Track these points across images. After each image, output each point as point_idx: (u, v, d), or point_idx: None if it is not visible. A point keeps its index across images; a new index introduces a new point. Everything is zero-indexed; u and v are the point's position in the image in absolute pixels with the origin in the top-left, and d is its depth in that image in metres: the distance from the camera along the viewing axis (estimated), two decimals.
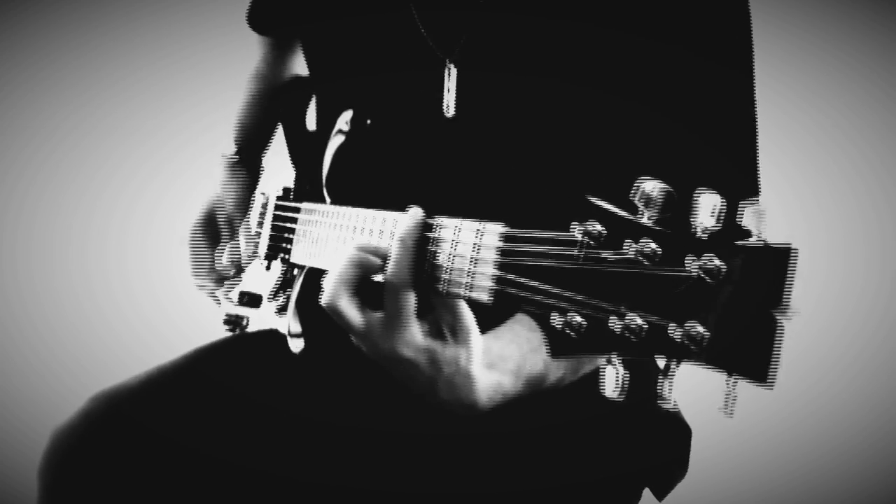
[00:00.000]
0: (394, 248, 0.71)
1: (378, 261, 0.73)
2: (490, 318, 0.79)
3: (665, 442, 1.03)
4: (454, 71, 0.96)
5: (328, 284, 0.73)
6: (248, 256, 1.22)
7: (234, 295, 1.24)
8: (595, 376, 0.94)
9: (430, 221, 0.72)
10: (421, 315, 0.73)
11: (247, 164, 1.28)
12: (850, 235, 1.92)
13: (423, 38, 0.98)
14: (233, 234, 1.25)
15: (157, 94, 2.32)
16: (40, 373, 2.21)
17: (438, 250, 0.70)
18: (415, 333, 0.72)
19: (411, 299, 0.71)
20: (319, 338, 1.05)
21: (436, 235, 0.71)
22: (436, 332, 0.73)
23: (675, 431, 1.04)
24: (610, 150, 0.89)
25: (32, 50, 2.32)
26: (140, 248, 2.31)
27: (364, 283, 0.74)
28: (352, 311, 0.73)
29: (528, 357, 0.81)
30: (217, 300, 1.25)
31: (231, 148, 1.28)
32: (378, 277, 0.74)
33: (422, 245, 0.71)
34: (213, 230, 1.26)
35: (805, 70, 2.04)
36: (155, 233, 2.28)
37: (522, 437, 0.94)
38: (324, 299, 0.73)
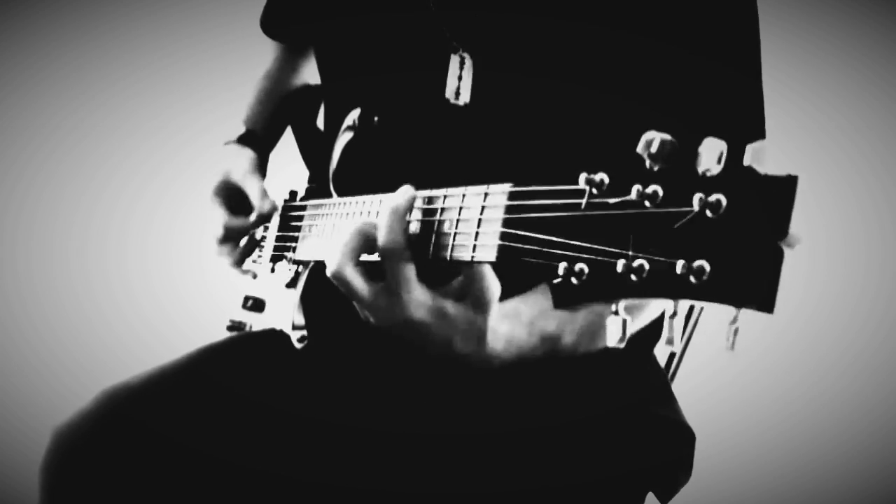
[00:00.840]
0: (384, 217, 0.73)
1: (375, 234, 0.75)
2: (508, 288, 0.79)
3: (668, 445, 1.03)
4: (469, 61, 0.97)
5: (333, 255, 0.76)
6: (254, 261, 1.22)
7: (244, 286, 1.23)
8: (595, 377, 0.95)
9: (435, 193, 0.74)
10: (432, 281, 0.75)
11: (253, 145, 1.26)
12: (850, 235, 1.92)
13: (437, 29, 0.98)
14: (245, 207, 1.22)
15: (157, 94, 2.32)
16: (41, 372, 2.21)
17: (444, 219, 0.72)
18: (420, 295, 0.74)
19: (408, 265, 0.73)
20: (322, 336, 1.05)
21: (442, 206, 0.72)
22: (454, 293, 0.75)
23: (679, 435, 1.04)
24: (616, 101, 0.90)
25: (32, 50, 2.32)
26: (141, 247, 2.31)
27: (367, 252, 0.76)
28: (357, 280, 0.75)
29: (541, 314, 0.84)
30: (246, 272, 1.24)
31: (239, 131, 1.27)
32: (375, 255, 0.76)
33: (422, 216, 0.74)
34: (229, 197, 1.22)
35: (805, 70, 2.04)
36: (156, 231, 2.28)
37: (524, 437, 0.94)
38: (330, 269, 0.76)
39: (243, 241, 1.20)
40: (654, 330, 0.99)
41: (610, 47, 0.91)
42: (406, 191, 0.75)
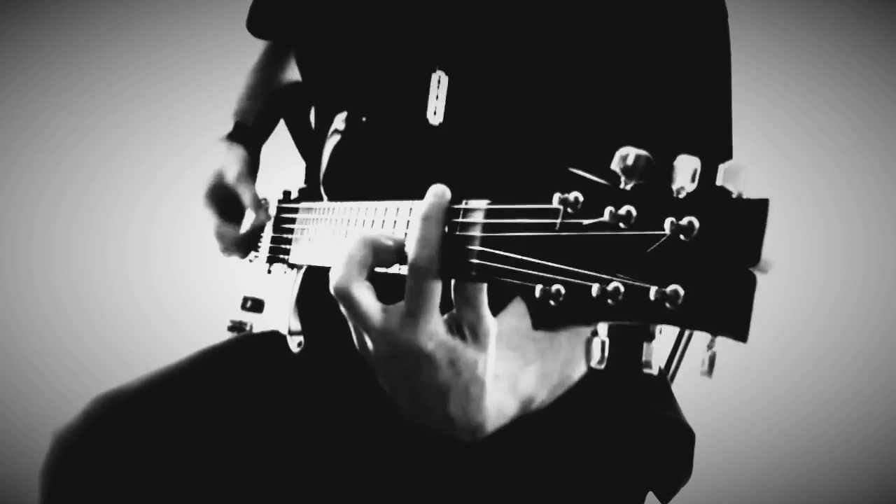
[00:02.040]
0: (417, 228, 0.63)
1: (392, 244, 0.66)
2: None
3: (668, 445, 1.03)
4: (445, 79, 0.97)
5: (336, 268, 0.65)
6: (251, 261, 1.22)
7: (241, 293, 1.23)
8: (594, 376, 0.95)
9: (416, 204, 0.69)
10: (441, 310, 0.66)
11: (244, 141, 1.25)
12: (850, 235, 1.92)
13: (411, 41, 0.99)
14: (238, 211, 1.21)
15: (157, 94, 2.32)
16: (42, 374, 2.21)
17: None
18: (438, 325, 0.64)
19: (438, 286, 0.63)
20: (320, 337, 1.05)
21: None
22: (456, 329, 0.66)
23: (678, 434, 1.04)
24: (591, 119, 0.89)
25: (32, 50, 2.32)
26: (141, 249, 2.31)
27: (381, 266, 0.67)
28: (366, 297, 0.64)
29: (518, 376, 0.77)
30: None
31: (229, 129, 1.26)
32: (394, 269, 0.68)
33: (450, 224, 0.64)
34: (221, 200, 1.22)
35: (806, 70, 2.04)
36: (156, 233, 2.28)
37: (523, 437, 0.93)
38: (333, 283, 0.65)
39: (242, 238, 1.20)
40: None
41: (585, 59, 0.92)
42: (443, 194, 0.64)
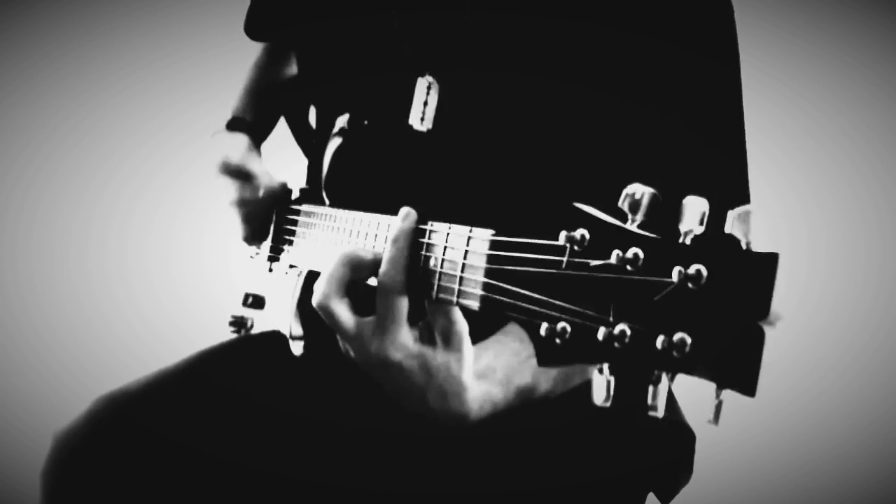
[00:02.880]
0: (387, 249, 0.71)
1: (369, 261, 0.73)
2: (480, 328, 0.79)
3: (668, 445, 1.03)
4: (436, 86, 0.96)
5: (319, 285, 0.73)
6: (252, 257, 1.21)
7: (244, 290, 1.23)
8: (590, 382, 0.95)
9: (423, 227, 0.72)
10: (413, 321, 0.73)
11: (245, 130, 1.22)
12: (850, 235, 1.92)
13: (410, 41, 0.98)
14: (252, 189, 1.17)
15: (157, 94, 2.32)
16: (43, 375, 2.20)
17: (430, 255, 0.70)
18: (405, 337, 0.72)
19: (404, 302, 0.71)
20: (321, 339, 1.05)
21: (427, 240, 0.71)
22: (428, 337, 0.73)
23: (679, 435, 1.04)
24: (599, 155, 0.88)
25: (32, 50, 2.32)
26: (142, 249, 2.31)
27: (355, 286, 0.74)
28: (343, 312, 0.73)
29: (516, 368, 0.81)
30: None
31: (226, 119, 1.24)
32: (371, 281, 0.74)
33: (415, 247, 0.71)
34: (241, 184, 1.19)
35: (806, 70, 2.04)
36: (156, 233, 2.28)
37: (523, 438, 0.94)
38: (315, 299, 0.74)
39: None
40: None
41: (587, 54, 0.91)
42: (408, 216, 0.71)
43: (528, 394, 0.83)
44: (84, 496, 0.98)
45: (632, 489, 1.01)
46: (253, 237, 1.16)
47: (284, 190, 1.13)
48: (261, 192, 1.12)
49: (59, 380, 2.15)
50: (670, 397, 1.10)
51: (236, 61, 1.37)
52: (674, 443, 1.04)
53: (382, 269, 0.70)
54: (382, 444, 0.96)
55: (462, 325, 0.72)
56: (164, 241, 2.27)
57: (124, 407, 1.02)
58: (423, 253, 0.71)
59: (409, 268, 0.71)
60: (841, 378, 2.00)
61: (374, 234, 0.82)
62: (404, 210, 0.72)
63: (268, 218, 1.15)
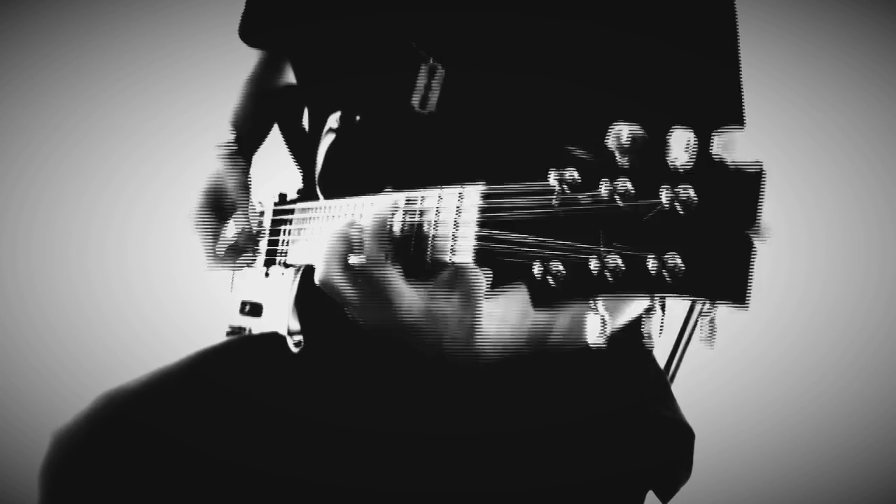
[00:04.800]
0: (367, 225, 0.73)
1: (361, 234, 0.75)
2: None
3: (668, 444, 1.03)
4: (440, 70, 0.97)
5: (319, 262, 0.75)
6: (248, 265, 1.22)
7: (238, 299, 1.23)
8: (594, 376, 0.95)
9: (413, 194, 0.73)
10: (424, 278, 0.75)
11: (243, 153, 1.26)
12: (850, 235, 1.92)
13: (405, 37, 0.99)
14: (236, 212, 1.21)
15: (157, 94, 2.32)
16: (42, 374, 2.20)
17: (423, 220, 0.72)
18: (408, 299, 0.74)
19: (393, 270, 0.73)
20: (319, 337, 1.05)
21: (420, 206, 0.72)
22: (448, 294, 0.74)
23: (678, 434, 1.04)
24: (586, 100, 0.89)
25: (32, 50, 2.32)
26: (141, 249, 2.31)
27: (354, 254, 0.76)
28: (345, 285, 0.75)
29: (523, 316, 0.83)
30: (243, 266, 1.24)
31: (228, 137, 1.27)
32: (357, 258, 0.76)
33: (403, 216, 0.73)
34: (219, 210, 1.22)
35: (806, 70, 2.04)
36: (156, 233, 2.28)
37: (523, 437, 0.94)
38: (317, 276, 0.76)
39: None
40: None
41: (579, 38, 0.92)
42: (387, 196, 0.74)
43: (539, 341, 0.86)
44: (82, 495, 0.98)
45: (631, 488, 1.01)
46: (224, 258, 1.19)
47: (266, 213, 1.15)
48: (238, 226, 1.16)
49: (58, 379, 2.15)
50: (670, 397, 1.10)
51: (237, 61, 1.37)
52: (673, 442, 1.04)
53: (366, 245, 0.73)
54: (382, 444, 0.96)
55: (480, 283, 0.73)
56: (164, 240, 2.27)
57: (123, 406, 1.02)
58: (417, 220, 0.72)
59: (399, 237, 0.73)
60: (841, 378, 2.00)
61: (361, 213, 0.83)
62: (384, 192, 0.76)
63: (238, 250, 1.19)
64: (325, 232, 0.79)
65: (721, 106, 0.93)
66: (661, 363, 1.25)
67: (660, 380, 1.16)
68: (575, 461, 0.95)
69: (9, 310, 2.29)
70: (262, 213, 1.17)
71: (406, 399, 0.99)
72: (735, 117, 0.94)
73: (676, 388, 1.17)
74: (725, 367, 1.86)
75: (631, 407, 1.01)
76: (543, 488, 0.93)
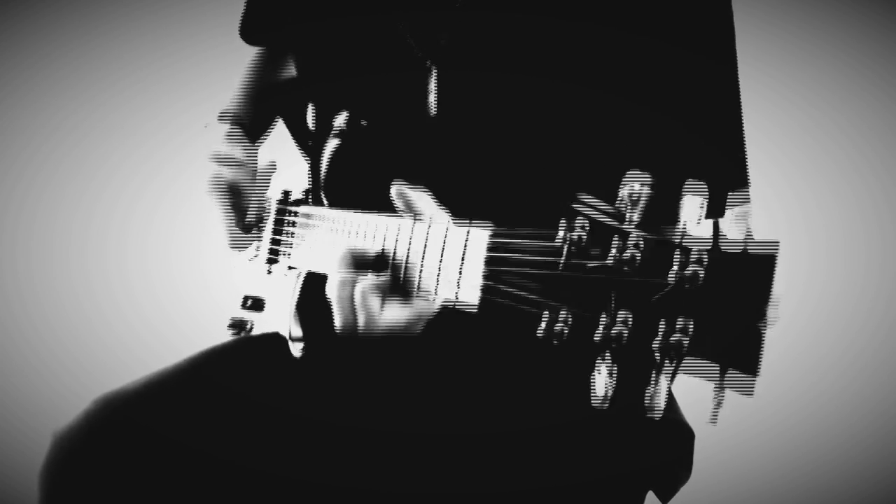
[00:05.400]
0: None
1: (368, 259, 0.79)
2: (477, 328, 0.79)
3: (667, 444, 1.03)
4: (435, 72, 0.97)
5: (334, 275, 0.78)
6: (250, 260, 1.21)
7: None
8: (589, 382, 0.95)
9: (418, 228, 0.73)
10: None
11: (238, 122, 1.24)
12: (850, 235, 1.92)
13: (406, 40, 0.98)
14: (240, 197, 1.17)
15: (157, 94, 2.32)
16: (42, 375, 2.20)
17: (423, 261, 0.72)
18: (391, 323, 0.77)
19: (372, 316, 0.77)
20: (321, 340, 1.05)
21: (425, 239, 0.72)
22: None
23: (678, 434, 1.04)
24: (597, 144, 0.89)
25: (32, 50, 2.32)
26: (142, 250, 2.31)
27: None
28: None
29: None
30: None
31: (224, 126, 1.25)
32: (372, 277, 0.77)
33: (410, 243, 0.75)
34: (234, 192, 1.19)
35: (806, 70, 2.04)
36: (156, 234, 2.28)
37: (523, 437, 0.94)
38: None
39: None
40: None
41: (586, 40, 0.91)
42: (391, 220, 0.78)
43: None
44: (82, 496, 0.98)
45: (631, 488, 1.01)
46: (238, 227, 1.14)
47: (274, 171, 1.13)
48: (252, 178, 1.12)
49: (58, 380, 2.15)
50: (670, 396, 1.10)
51: (237, 61, 1.37)
52: (673, 442, 1.04)
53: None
54: (382, 444, 0.96)
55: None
56: (164, 241, 2.27)
57: (123, 407, 1.02)
58: (418, 261, 0.73)
59: (404, 266, 0.76)
60: (841, 378, 2.00)
61: (373, 234, 0.83)
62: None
63: (254, 208, 1.15)
64: (336, 249, 0.82)
65: (728, 168, 0.93)
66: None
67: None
68: (575, 461, 0.95)
69: (9, 310, 2.29)
70: (265, 209, 1.16)
71: (406, 399, 0.99)
72: (740, 180, 0.93)
73: (676, 389, 1.16)
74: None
75: (631, 408, 1.01)
76: (543, 488, 0.93)
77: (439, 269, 0.69)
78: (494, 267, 0.61)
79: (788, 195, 1.87)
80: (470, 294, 0.65)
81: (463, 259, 0.66)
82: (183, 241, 2.20)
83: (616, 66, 0.90)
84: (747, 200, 0.49)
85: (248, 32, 1.31)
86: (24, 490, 1.01)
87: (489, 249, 0.62)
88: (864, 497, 1.97)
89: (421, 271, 0.71)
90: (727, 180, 0.88)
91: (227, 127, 1.20)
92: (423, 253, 0.72)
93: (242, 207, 1.14)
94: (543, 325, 0.55)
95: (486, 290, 0.62)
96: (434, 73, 0.97)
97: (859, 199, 1.95)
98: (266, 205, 1.16)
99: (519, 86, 0.94)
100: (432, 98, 0.97)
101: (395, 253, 0.77)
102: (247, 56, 1.36)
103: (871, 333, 1.96)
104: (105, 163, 2.34)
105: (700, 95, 0.91)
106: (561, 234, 0.54)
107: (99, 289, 2.32)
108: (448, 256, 0.68)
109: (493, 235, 0.63)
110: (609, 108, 0.89)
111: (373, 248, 0.80)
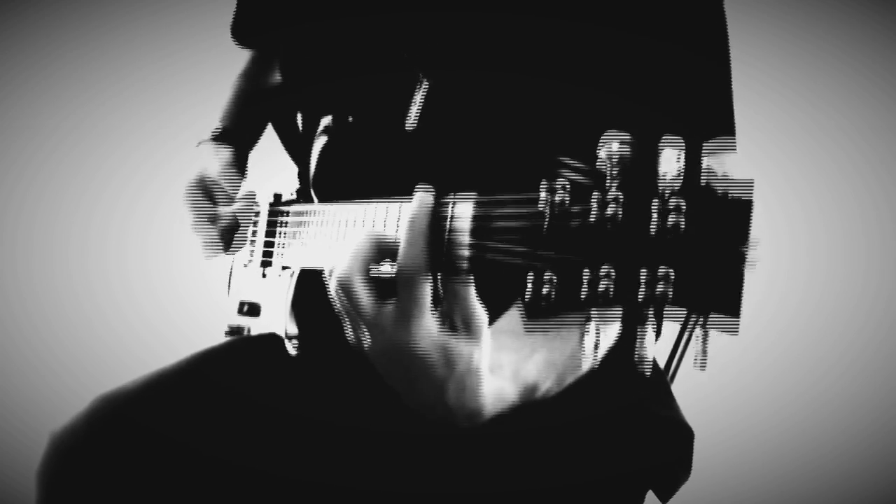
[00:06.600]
0: (405, 232, 0.65)
1: (391, 243, 0.68)
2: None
3: (666, 444, 1.03)
4: (425, 83, 0.96)
5: (343, 261, 0.68)
6: (245, 265, 1.22)
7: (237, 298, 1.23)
8: (594, 376, 0.95)
9: (443, 201, 0.67)
10: (433, 306, 0.67)
11: (231, 142, 1.25)
12: (850, 235, 1.92)
13: (393, 42, 0.99)
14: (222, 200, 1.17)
15: (157, 94, 2.32)
16: (41, 374, 2.21)
17: (447, 229, 0.69)
18: (430, 325, 0.66)
19: (427, 287, 0.65)
20: (317, 338, 1.05)
21: (451, 213, 0.67)
22: (449, 324, 0.68)
23: (677, 433, 1.04)
24: (579, 125, 0.88)
25: (33, 50, 2.32)
26: (141, 249, 2.31)
27: (376, 264, 0.70)
28: (364, 294, 0.67)
29: (521, 364, 0.78)
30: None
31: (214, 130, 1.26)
32: (385, 267, 0.70)
33: (435, 227, 0.65)
34: (210, 197, 1.18)
35: (806, 70, 2.04)
36: (155, 233, 2.28)
37: (523, 437, 0.94)
38: (338, 274, 0.68)
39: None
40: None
41: (571, 37, 0.91)
42: (426, 195, 0.66)
43: (531, 393, 0.82)
44: (80, 496, 0.98)
45: (631, 487, 1.01)
46: (213, 233, 1.13)
47: (254, 202, 1.13)
48: (233, 206, 1.12)
49: (57, 379, 2.15)
50: (670, 396, 1.10)
51: (237, 61, 1.37)
52: (673, 442, 1.04)
53: (403, 251, 0.64)
54: (382, 444, 0.96)
55: (482, 313, 0.67)
56: (164, 240, 2.27)
57: (122, 407, 1.02)
58: (444, 230, 0.66)
59: (431, 249, 0.65)
60: (841, 378, 2.00)
61: (384, 220, 0.78)
62: (422, 188, 0.67)
63: (232, 232, 1.14)
64: (355, 232, 0.74)
65: (711, 108, 0.92)
66: (661, 363, 1.25)
67: (660, 379, 1.16)
68: (575, 461, 0.95)
69: (9, 310, 2.29)
70: (257, 214, 1.16)
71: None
72: (725, 120, 0.93)
73: (676, 388, 1.17)
74: (725, 367, 1.86)
75: (631, 407, 1.01)
76: (544, 488, 0.93)
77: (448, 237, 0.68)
78: (481, 224, 0.61)
79: (788, 195, 1.87)
80: (461, 257, 0.63)
81: (451, 223, 0.64)
82: (183, 241, 2.20)
83: (605, 63, 0.90)
84: (732, 148, 0.50)
85: (240, 32, 1.31)
86: (22, 490, 1.01)
87: (476, 207, 0.62)
88: (865, 497, 1.97)
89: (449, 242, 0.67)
90: (710, 127, 0.89)
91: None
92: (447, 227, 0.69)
93: (218, 213, 1.13)
94: (530, 289, 0.55)
95: (473, 247, 0.62)
96: (424, 85, 0.97)
97: (859, 199, 1.95)
98: (257, 209, 1.16)
99: (504, 84, 0.94)
100: (415, 110, 0.97)
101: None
102: (244, 56, 1.36)
103: (871, 333, 1.96)
104: (105, 163, 2.34)
105: (690, 90, 0.91)
106: (543, 195, 0.55)
107: (98, 288, 2.32)
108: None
109: (477, 197, 0.63)
110: (596, 105, 0.89)
111: (391, 234, 0.72)
